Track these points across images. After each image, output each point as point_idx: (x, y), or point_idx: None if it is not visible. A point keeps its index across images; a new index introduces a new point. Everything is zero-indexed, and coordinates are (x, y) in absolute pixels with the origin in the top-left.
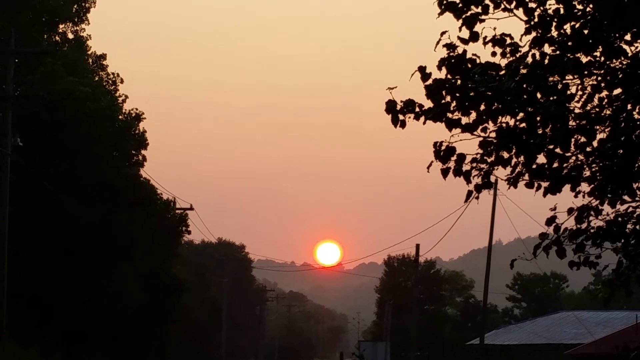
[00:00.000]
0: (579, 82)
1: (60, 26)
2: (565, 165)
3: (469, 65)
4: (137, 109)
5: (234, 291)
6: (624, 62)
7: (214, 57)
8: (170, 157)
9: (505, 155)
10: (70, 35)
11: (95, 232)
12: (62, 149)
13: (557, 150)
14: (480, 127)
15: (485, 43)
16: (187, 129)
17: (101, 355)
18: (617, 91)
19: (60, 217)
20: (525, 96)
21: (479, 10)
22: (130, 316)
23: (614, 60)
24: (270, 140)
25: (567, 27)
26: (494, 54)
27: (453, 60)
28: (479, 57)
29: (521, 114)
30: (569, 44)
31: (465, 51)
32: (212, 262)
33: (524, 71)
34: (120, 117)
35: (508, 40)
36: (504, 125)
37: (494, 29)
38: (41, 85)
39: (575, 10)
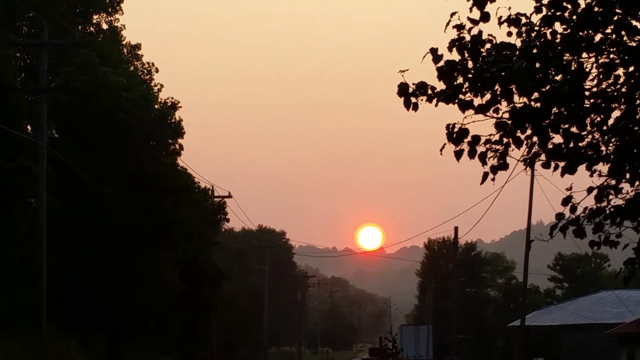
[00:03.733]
0: (594, 60)
1: (95, 17)
2: (581, 144)
3: (488, 46)
4: (172, 98)
5: (276, 278)
6: (636, 39)
7: (251, 44)
8: (208, 145)
9: (522, 136)
10: (105, 26)
11: (133, 222)
12: (98, 139)
13: (573, 129)
14: (493, 108)
15: (500, 23)
16: (224, 117)
17: (142, 345)
18: (632, 69)
19: (97, 207)
20: (538, 75)
21: None
22: (171, 305)
23: (627, 38)
24: (310, 127)
25: (582, 3)
26: (509, 34)
27: (467, 41)
28: (494, 37)
29: (535, 94)
30: (579, 22)
31: (481, 32)
32: (253, 249)
33: (535, 51)
34: (155, 106)
35: (523, 20)
36: (517, 106)
37: (509, 8)
38: (76, 76)
39: None
